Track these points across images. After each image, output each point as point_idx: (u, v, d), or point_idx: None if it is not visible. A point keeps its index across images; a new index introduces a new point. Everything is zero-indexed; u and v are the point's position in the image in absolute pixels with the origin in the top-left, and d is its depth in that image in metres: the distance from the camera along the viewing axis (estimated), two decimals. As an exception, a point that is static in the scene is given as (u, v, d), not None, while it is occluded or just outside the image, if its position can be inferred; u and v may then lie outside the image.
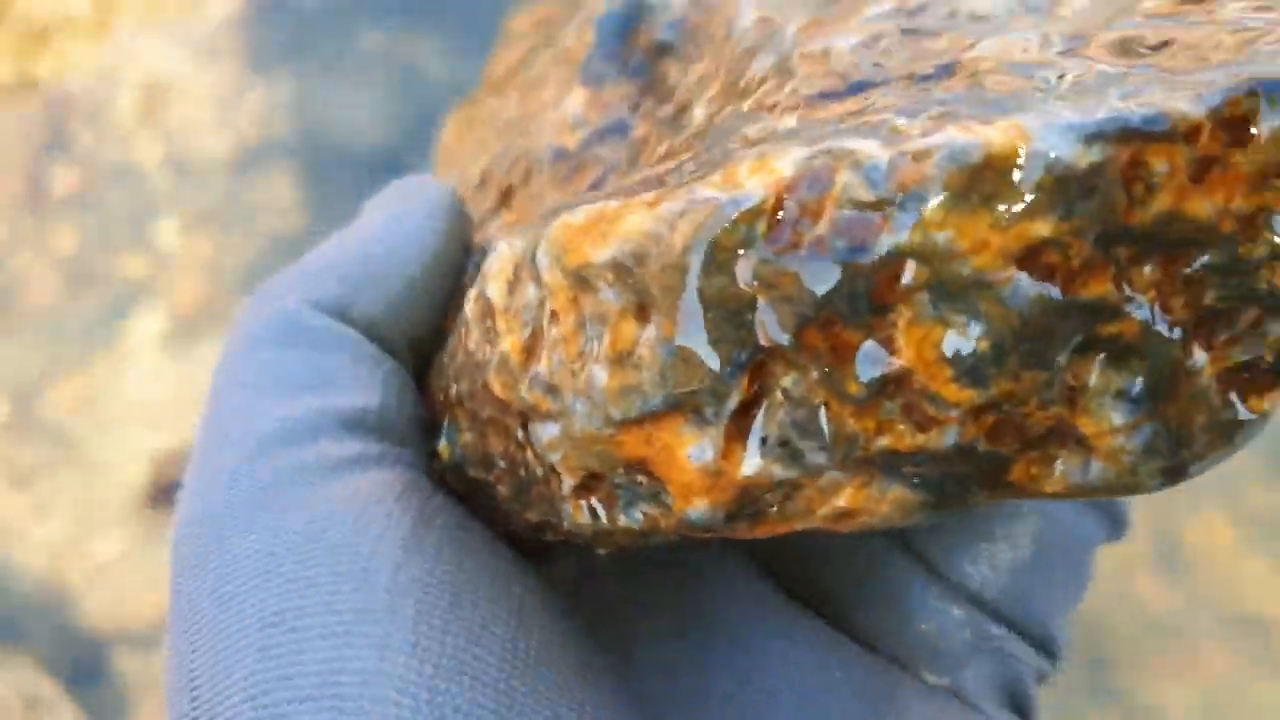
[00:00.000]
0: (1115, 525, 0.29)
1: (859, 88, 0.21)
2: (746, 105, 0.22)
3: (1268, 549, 1.06)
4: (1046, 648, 0.28)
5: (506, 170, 0.27)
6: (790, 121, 0.21)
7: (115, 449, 1.16)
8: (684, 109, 0.24)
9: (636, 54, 0.26)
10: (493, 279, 0.23)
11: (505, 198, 0.28)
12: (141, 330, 1.20)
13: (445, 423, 0.24)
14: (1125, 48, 0.20)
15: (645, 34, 0.26)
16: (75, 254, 1.23)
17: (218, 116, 1.26)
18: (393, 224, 0.25)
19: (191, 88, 1.28)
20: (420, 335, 0.25)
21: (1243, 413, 0.19)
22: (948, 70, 0.21)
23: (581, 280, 0.20)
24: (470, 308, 0.23)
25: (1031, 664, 0.27)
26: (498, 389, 0.22)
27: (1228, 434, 0.19)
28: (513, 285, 0.22)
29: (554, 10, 0.29)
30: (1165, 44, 0.20)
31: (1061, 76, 0.19)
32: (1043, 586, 0.27)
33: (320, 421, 0.21)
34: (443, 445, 0.24)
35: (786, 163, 0.19)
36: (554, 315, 0.21)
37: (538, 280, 0.21)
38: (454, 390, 0.24)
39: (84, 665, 1.08)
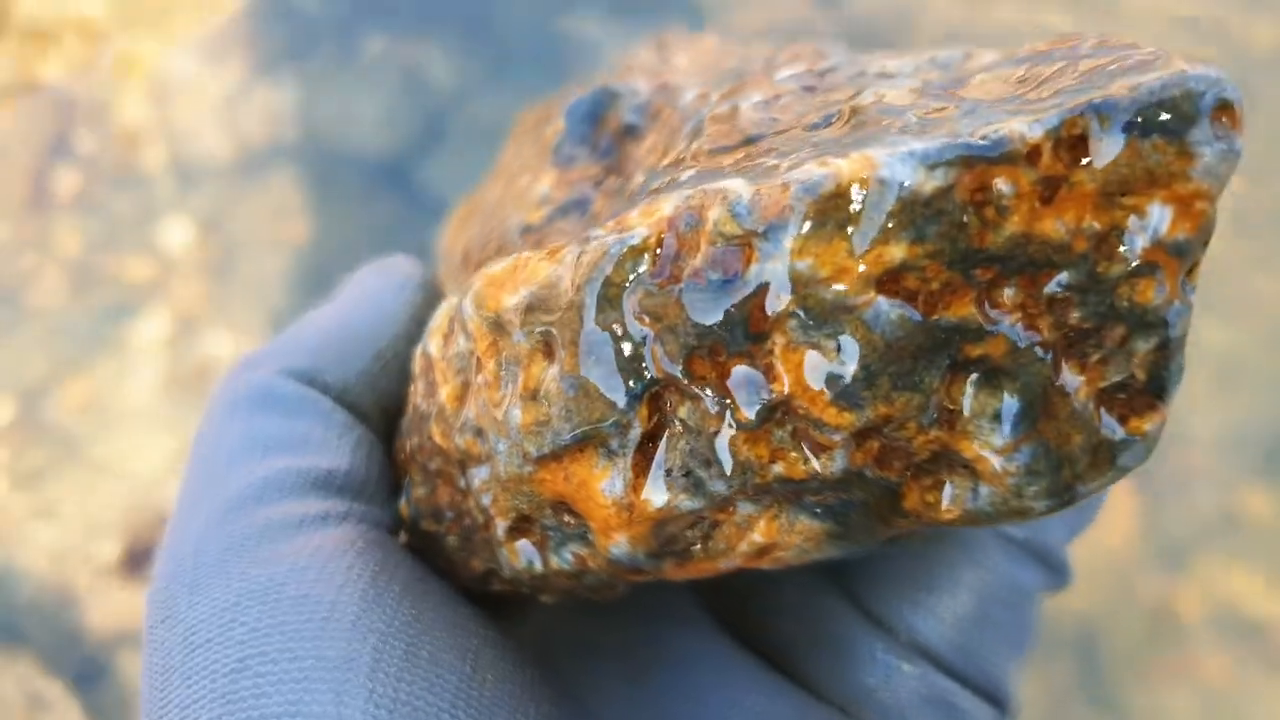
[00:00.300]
0: (1055, 574, 0.30)
1: (752, 140, 0.22)
2: (663, 164, 0.24)
3: (1268, 554, 1.07)
4: (995, 699, 0.28)
5: (481, 248, 0.29)
6: (690, 173, 0.22)
7: (120, 450, 1.17)
8: (629, 178, 0.26)
9: (605, 137, 0.28)
10: (432, 334, 0.24)
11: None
12: (145, 332, 1.20)
13: (405, 481, 0.26)
14: (993, 86, 0.21)
15: (614, 118, 0.28)
16: (79, 256, 1.23)
17: (222, 119, 1.27)
18: (365, 299, 0.26)
19: (196, 90, 1.28)
20: (390, 405, 0.26)
21: (1120, 434, 0.20)
22: (832, 118, 0.22)
23: (498, 325, 0.22)
24: (416, 363, 0.25)
25: (981, 717, 0.28)
26: (438, 438, 0.23)
27: (1110, 455, 0.20)
28: (448, 338, 0.24)
29: (555, 105, 0.31)
30: (1027, 79, 0.21)
31: (926, 114, 0.20)
32: (988, 638, 0.27)
33: (288, 481, 0.22)
34: (401, 503, 0.25)
35: (668, 204, 0.20)
36: (479, 362, 0.22)
37: (465, 330, 0.23)
38: (408, 446, 0.25)
39: (87, 666, 1.09)
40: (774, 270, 0.19)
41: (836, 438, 0.19)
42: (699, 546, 0.21)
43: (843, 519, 0.20)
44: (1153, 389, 0.20)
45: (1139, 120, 0.18)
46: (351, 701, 0.18)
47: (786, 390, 0.19)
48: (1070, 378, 0.20)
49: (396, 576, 0.21)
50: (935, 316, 0.19)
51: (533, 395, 0.21)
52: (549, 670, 0.25)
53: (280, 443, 0.22)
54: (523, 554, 0.22)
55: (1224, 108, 0.19)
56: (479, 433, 0.22)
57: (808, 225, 0.18)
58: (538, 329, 0.21)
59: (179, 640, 0.20)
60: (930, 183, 0.18)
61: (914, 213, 0.18)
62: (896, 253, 0.18)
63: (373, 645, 0.19)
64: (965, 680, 0.27)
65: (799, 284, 0.19)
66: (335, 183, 1.24)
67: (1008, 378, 0.19)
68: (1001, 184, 0.18)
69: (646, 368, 0.20)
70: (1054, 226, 0.19)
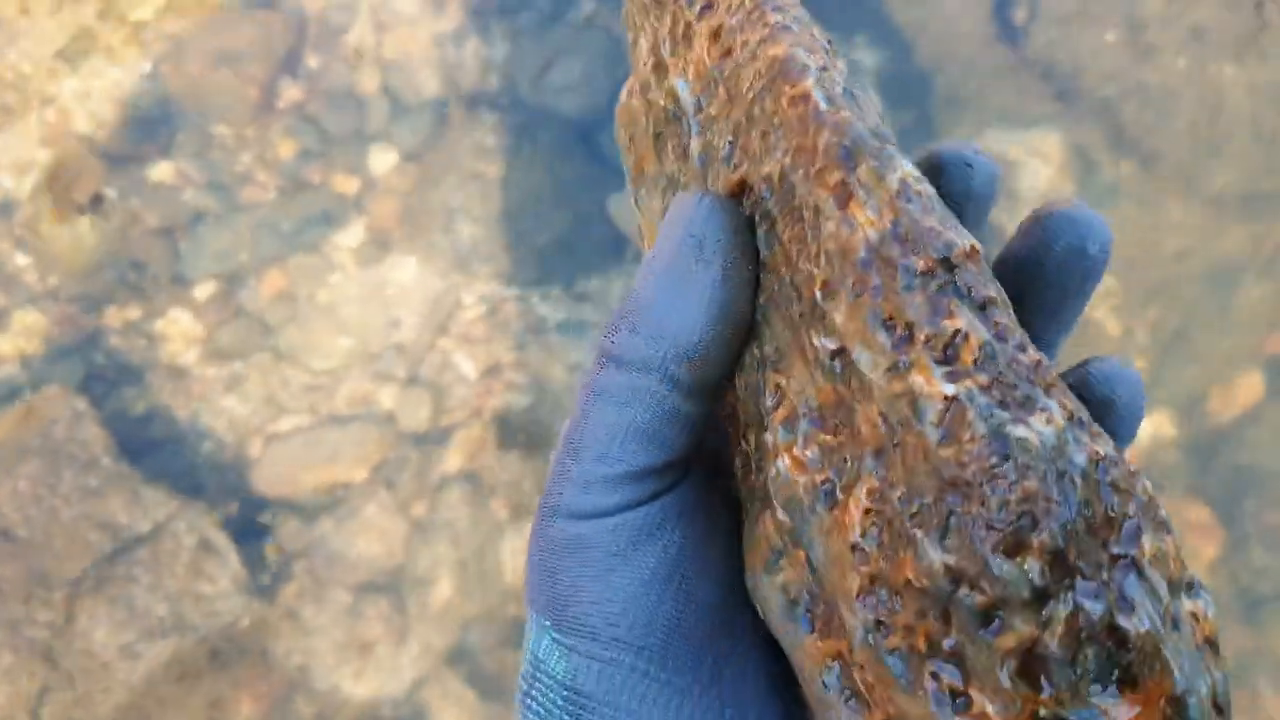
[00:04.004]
0: None
1: None
2: None
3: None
4: None
5: None
6: None
7: (302, 342, 1.30)
8: None
9: None
10: None
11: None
12: (340, 241, 1.33)
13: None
14: None
15: None
16: (291, 163, 1.36)
17: (435, 59, 1.38)
18: (687, 288, 0.28)
19: (417, 28, 1.40)
20: (716, 373, 0.29)
21: None
22: None
23: None
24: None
25: None
26: None
27: None
28: None
29: None
30: None
31: None
32: None
33: (635, 470, 0.27)
34: None
35: None
36: None
37: None
38: None
39: (249, 524, 1.22)
40: None
41: None
42: None
43: None
44: None
45: None
46: (659, 609, 0.27)
47: None
48: None
49: (691, 527, 0.27)
50: None
51: None
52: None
53: (642, 443, 0.27)
54: None
55: None
56: None
57: None
58: None
59: (573, 535, 0.27)
60: None
61: None
62: None
63: (676, 579, 0.27)
64: None
65: None
66: (531, 132, 1.35)
67: None
68: None
69: None
70: None
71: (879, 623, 0.23)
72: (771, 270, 0.26)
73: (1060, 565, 0.23)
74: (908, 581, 0.23)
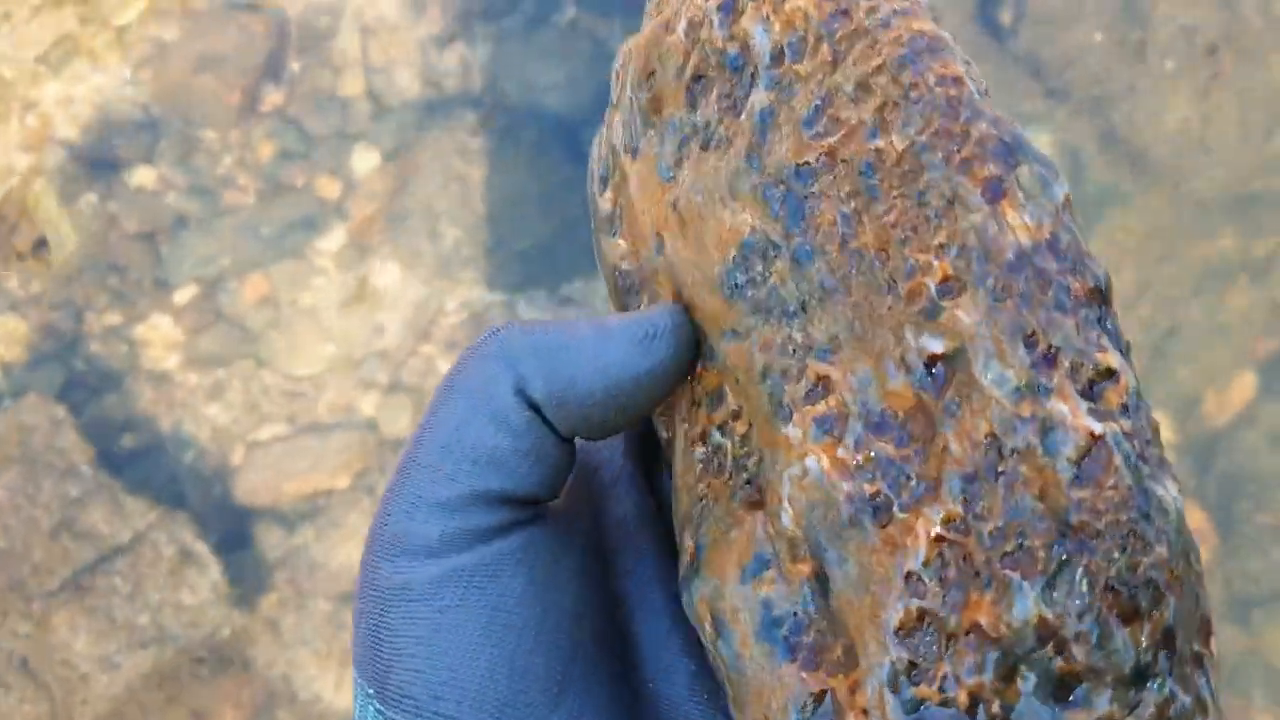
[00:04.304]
0: None
1: None
2: None
3: None
4: None
5: None
6: None
7: (286, 347, 1.28)
8: None
9: None
10: None
11: None
12: (321, 245, 1.32)
13: None
14: None
15: None
16: (273, 167, 1.35)
17: (418, 61, 1.37)
18: (615, 339, 0.25)
19: (399, 32, 1.39)
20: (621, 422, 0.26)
21: None
22: None
23: None
24: None
25: None
26: None
27: None
28: None
29: None
30: None
31: None
32: None
33: (490, 498, 0.24)
34: None
35: None
36: None
37: None
38: None
39: (233, 533, 1.21)
40: None
41: None
42: None
43: None
44: None
45: None
46: (491, 680, 0.23)
47: None
48: None
49: (536, 581, 0.24)
50: None
51: None
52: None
53: (494, 461, 0.24)
54: None
55: None
56: None
57: None
58: None
59: (399, 584, 0.23)
60: None
61: None
62: None
63: (511, 641, 0.23)
64: None
65: None
66: (513, 135, 1.34)
67: None
68: None
69: None
70: None
71: (913, 665, 0.21)
72: (849, 253, 0.23)
73: (1168, 646, 0.21)
74: (975, 627, 0.20)
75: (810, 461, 0.22)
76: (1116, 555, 0.20)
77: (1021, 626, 0.20)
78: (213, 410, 1.27)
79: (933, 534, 0.21)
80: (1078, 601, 0.20)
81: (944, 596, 0.21)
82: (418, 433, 0.24)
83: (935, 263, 0.22)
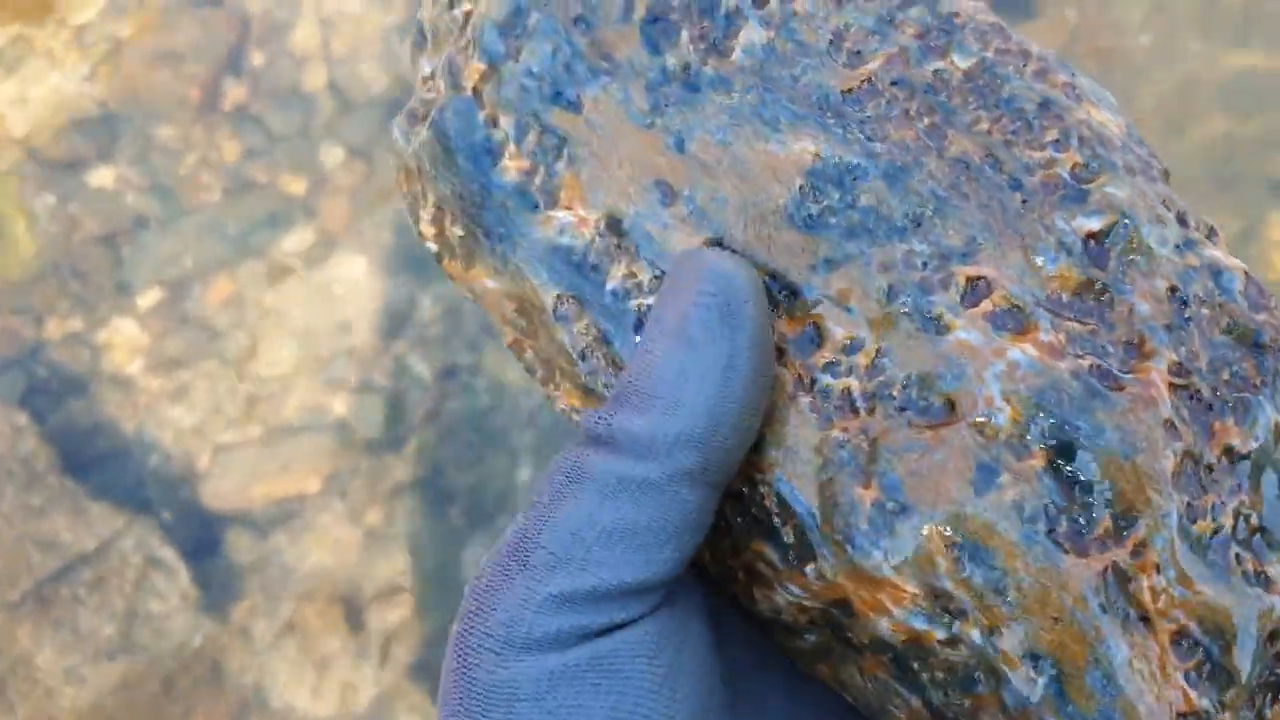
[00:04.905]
0: None
1: None
2: None
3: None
4: None
5: None
6: None
7: (252, 347, 1.26)
8: None
9: None
10: None
11: None
12: (287, 244, 1.29)
13: None
14: None
15: None
16: (236, 164, 1.32)
17: (381, 54, 1.34)
18: (706, 355, 0.21)
19: (361, 24, 1.36)
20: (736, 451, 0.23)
21: None
22: None
23: None
24: None
25: None
26: None
27: None
28: None
29: None
30: None
31: None
32: None
33: (599, 594, 0.20)
34: None
35: None
36: None
37: None
38: None
39: (202, 539, 1.18)
40: None
41: None
42: None
43: None
44: None
45: None
46: None
47: None
48: None
49: (660, 672, 0.20)
50: None
51: None
52: None
53: (629, 547, 0.20)
54: None
55: None
56: None
57: None
58: None
59: (503, 682, 0.20)
60: None
61: None
62: None
63: None
64: None
65: None
66: (480, 127, 1.31)
67: None
68: None
69: None
70: None
71: (1190, 505, 0.21)
72: (949, 162, 0.24)
73: None
74: (1228, 449, 0.22)
75: (1015, 354, 0.22)
76: None
77: (1266, 435, 0.22)
78: (178, 414, 1.23)
79: (1167, 382, 0.22)
80: None
81: (1194, 433, 0.22)
82: (531, 519, 0.21)
83: (1059, 154, 0.24)
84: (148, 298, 1.28)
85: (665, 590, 0.21)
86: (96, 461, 1.22)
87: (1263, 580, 0.21)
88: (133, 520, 1.19)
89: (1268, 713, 0.21)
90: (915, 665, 0.22)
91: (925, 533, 0.21)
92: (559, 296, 0.24)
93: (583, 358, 0.24)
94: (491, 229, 0.25)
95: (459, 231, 0.26)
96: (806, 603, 0.23)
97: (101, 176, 1.31)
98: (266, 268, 1.28)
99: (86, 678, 1.13)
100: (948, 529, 0.21)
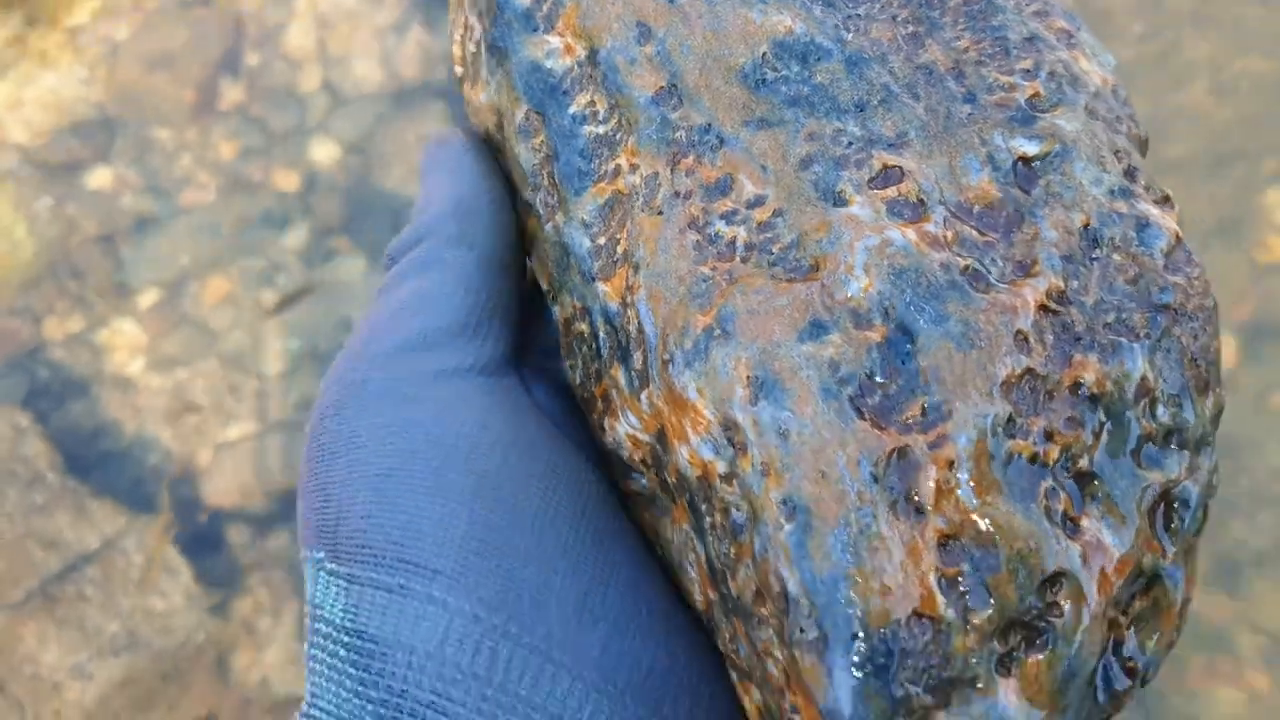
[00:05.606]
0: None
1: None
2: None
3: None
4: None
5: None
6: None
7: (251, 345, 1.26)
8: None
9: None
10: None
11: None
12: (284, 241, 1.29)
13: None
14: None
15: None
16: (232, 163, 1.33)
17: (376, 52, 1.35)
18: (453, 167, 0.29)
19: (356, 22, 1.37)
20: (508, 236, 0.28)
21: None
22: None
23: None
24: None
25: None
26: None
27: None
28: None
29: None
30: None
31: None
32: None
33: (429, 337, 0.26)
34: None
35: None
36: None
37: None
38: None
39: (203, 536, 1.19)
40: None
41: None
42: None
43: None
44: None
45: None
46: (453, 521, 0.22)
47: None
48: None
49: (494, 425, 0.24)
50: None
51: None
52: None
53: (425, 304, 0.26)
54: None
55: None
56: None
57: None
58: None
59: (345, 434, 0.23)
60: None
61: None
62: None
63: (473, 482, 0.22)
64: None
65: None
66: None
67: None
68: None
69: None
70: None
71: (1010, 420, 0.21)
72: (916, 66, 0.25)
73: (1216, 422, 0.24)
74: (1077, 384, 0.22)
75: (894, 234, 0.23)
76: (1200, 334, 0.23)
77: (1122, 383, 0.22)
78: (179, 412, 1.24)
79: (1037, 302, 0.22)
80: (1172, 368, 0.23)
81: (1048, 356, 0.22)
82: (358, 326, 0.26)
83: (1023, 82, 0.25)
84: (147, 298, 1.28)
85: (498, 356, 0.26)
86: (98, 460, 1.22)
87: (1069, 526, 0.21)
88: (135, 518, 1.20)
89: (1019, 657, 0.20)
90: (704, 508, 0.22)
91: (733, 360, 0.22)
92: (527, 112, 0.27)
93: (534, 175, 0.27)
94: (494, 44, 0.28)
95: (472, 49, 0.29)
96: (640, 435, 0.23)
97: (99, 178, 1.32)
98: (264, 265, 1.29)
99: (93, 674, 1.13)
100: (755, 361, 0.21)
